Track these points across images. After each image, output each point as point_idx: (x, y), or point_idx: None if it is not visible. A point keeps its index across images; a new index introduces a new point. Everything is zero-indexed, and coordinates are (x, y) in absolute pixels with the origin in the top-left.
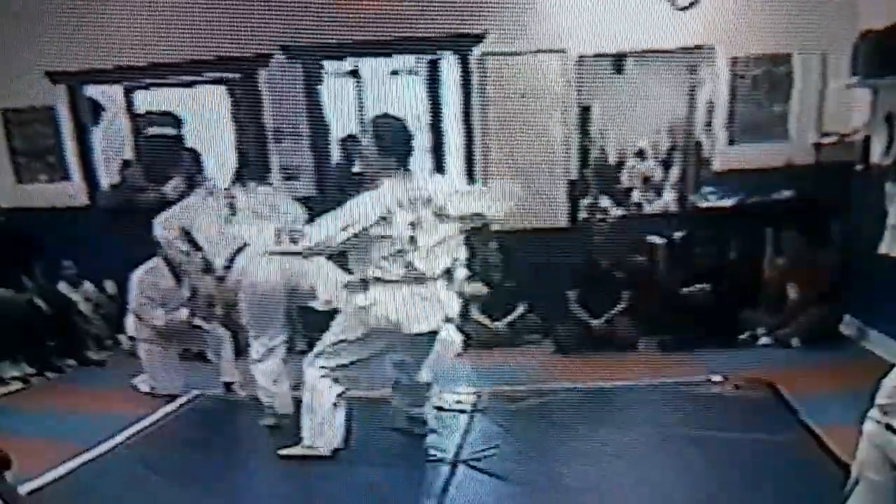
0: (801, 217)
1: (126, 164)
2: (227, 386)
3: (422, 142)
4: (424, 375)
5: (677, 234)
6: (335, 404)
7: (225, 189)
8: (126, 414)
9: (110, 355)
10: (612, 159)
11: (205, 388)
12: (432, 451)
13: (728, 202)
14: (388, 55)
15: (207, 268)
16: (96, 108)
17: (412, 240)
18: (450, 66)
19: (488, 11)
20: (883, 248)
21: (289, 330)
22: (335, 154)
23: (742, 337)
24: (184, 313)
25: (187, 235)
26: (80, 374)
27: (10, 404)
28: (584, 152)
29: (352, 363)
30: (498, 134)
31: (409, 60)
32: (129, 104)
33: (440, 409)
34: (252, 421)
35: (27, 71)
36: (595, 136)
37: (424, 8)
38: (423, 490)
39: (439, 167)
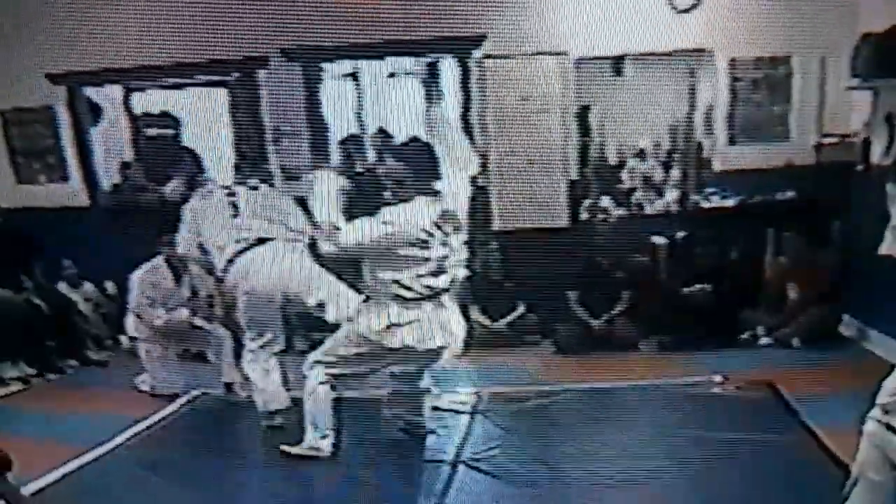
0: (801, 217)
1: (126, 164)
2: (228, 386)
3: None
4: (425, 382)
5: (678, 235)
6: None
7: (225, 187)
8: (127, 414)
9: (111, 355)
10: (612, 160)
11: (205, 389)
12: (432, 452)
13: (729, 202)
14: (387, 58)
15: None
16: (95, 109)
17: (444, 259)
18: (449, 69)
19: (487, 14)
20: (883, 249)
21: (286, 331)
22: (335, 155)
23: (742, 337)
24: (184, 313)
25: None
26: (80, 375)
27: (10, 405)
28: (584, 153)
29: (353, 375)
30: (498, 136)
31: (407, 63)
32: (129, 105)
33: (440, 409)
34: (252, 421)
35: (27, 72)
36: (595, 137)
37: (424, 11)
38: (423, 491)
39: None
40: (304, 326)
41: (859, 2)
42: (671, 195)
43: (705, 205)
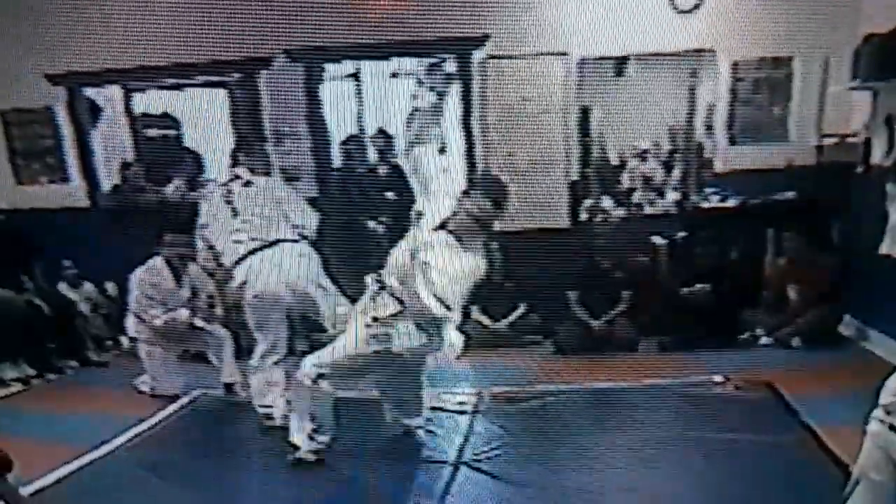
0: (801, 218)
1: (126, 165)
2: (229, 387)
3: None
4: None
5: (678, 235)
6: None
7: (222, 185)
8: (127, 415)
9: (111, 356)
10: (613, 160)
11: (206, 389)
12: (433, 453)
13: (729, 203)
14: (389, 58)
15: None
16: (95, 110)
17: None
18: (451, 69)
19: (489, 15)
20: (883, 249)
21: (290, 334)
22: (337, 156)
23: (742, 337)
24: (184, 314)
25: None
26: (80, 375)
27: (10, 406)
28: (585, 154)
29: (349, 377)
30: (499, 136)
31: (410, 63)
32: (129, 106)
33: (441, 409)
34: (253, 422)
35: (26, 72)
36: (596, 137)
37: (426, 11)
38: (423, 491)
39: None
40: (305, 328)
41: (861, 3)
42: (672, 195)
43: (706, 205)
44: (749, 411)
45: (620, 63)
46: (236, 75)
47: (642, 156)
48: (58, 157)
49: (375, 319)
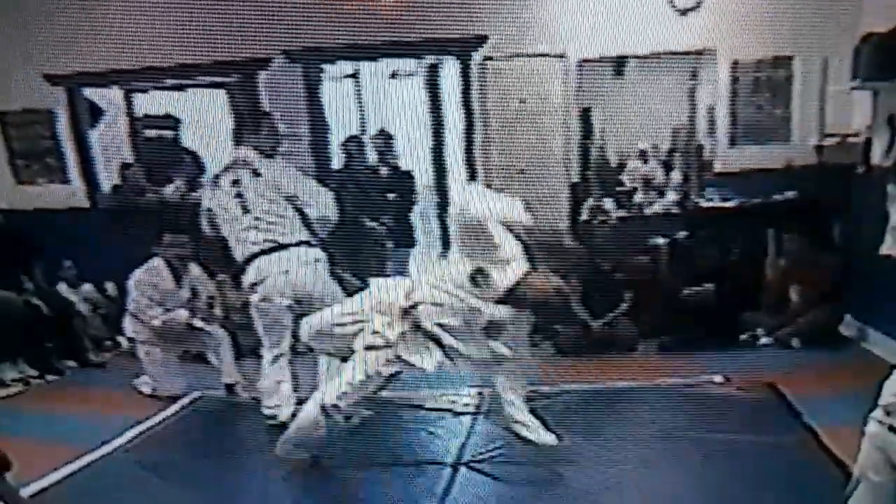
0: (802, 218)
1: (126, 165)
2: (229, 388)
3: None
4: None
5: (679, 236)
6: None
7: (227, 169)
8: (127, 416)
9: (111, 357)
10: (613, 161)
11: (206, 390)
12: (434, 454)
13: (730, 203)
14: (389, 58)
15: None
16: (95, 111)
17: None
18: (450, 70)
19: (489, 15)
20: (884, 250)
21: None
22: (338, 156)
23: (743, 338)
24: (183, 314)
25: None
26: (80, 376)
27: (10, 406)
28: (585, 155)
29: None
30: (499, 137)
31: (409, 64)
32: (129, 106)
33: (442, 410)
34: (254, 422)
35: (26, 73)
36: (596, 138)
37: (425, 12)
38: (424, 492)
39: (440, 170)
40: None
41: (861, 3)
42: (672, 196)
43: (706, 205)
44: (750, 412)
45: (620, 63)
46: (235, 76)
47: (642, 156)
48: (58, 157)
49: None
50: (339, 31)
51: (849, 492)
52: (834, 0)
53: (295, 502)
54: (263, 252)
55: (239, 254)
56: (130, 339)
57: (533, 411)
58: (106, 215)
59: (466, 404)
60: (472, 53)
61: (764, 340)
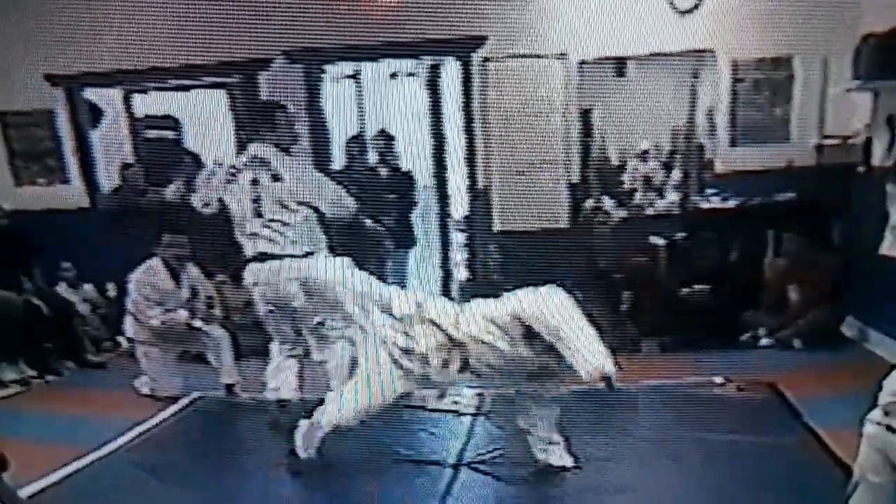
0: (802, 218)
1: (126, 166)
2: (229, 388)
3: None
4: None
5: (679, 236)
6: None
7: (244, 167)
8: (126, 416)
9: (110, 357)
10: (613, 161)
11: (205, 390)
12: (435, 454)
13: (730, 203)
14: (389, 59)
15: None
16: (95, 111)
17: None
18: (450, 70)
19: (489, 16)
20: (884, 250)
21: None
22: (340, 157)
23: (743, 338)
24: (182, 315)
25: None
26: (79, 377)
27: (9, 406)
28: (585, 155)
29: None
30: (499, 137)
31: (409, 64)
32: (129, 107)
33: (442, 410)
34: (254, 423)
35: (26, 74)
36: (596, 138)
37: (425, 12)
38: (425, 492)
39: (440, 170)
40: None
41: (861, 3)
42: (672, 196)
43: (706, 206)
44: (750, 412)
45: (620, 64)
46: (236, 76)
47: (643, 156)
48: (58, 158)
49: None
50: (339, 31)
51: (849, 493)
52: (834, 0)
53: (295, 503)
54: (262, 257)
55: (246, 250)
56: (130, 340)
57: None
58: (106, 216)
59: (467, 405)
60: (473, 54)
61: (764, 341)
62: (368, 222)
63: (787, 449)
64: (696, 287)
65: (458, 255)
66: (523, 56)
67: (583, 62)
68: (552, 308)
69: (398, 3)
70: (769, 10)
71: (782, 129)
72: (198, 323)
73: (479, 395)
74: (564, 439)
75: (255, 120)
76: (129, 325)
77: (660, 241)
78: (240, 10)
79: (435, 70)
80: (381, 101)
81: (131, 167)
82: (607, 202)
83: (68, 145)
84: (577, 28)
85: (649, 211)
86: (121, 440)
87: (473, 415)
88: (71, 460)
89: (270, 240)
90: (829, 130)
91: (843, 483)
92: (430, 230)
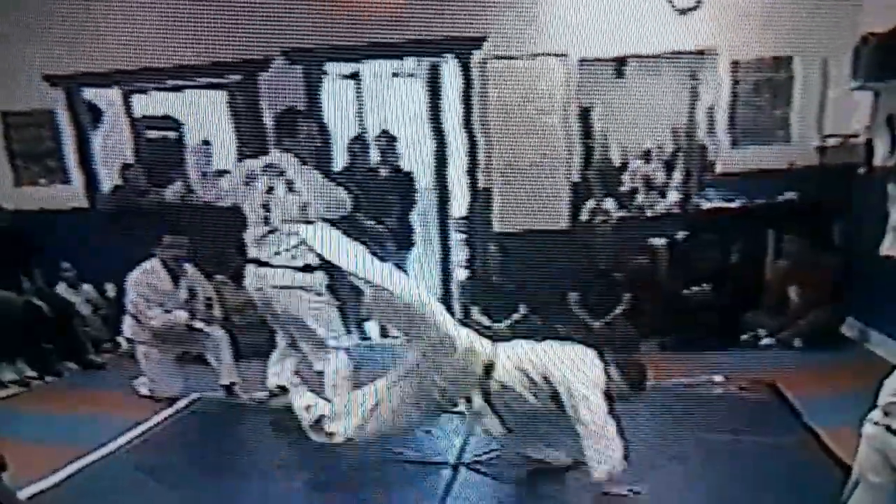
0: (803, 219)
1: (127, 166)
2: (229, 388)
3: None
4: None
5: (680, 236)
6: None
7: (262, 172)
8: (126, 417)
9: (110, 358)
10: (614, 161)
11: (205, 391)
12: (434, 454)
13: (731, 204)
14: (389, 58)
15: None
16: (95, 112)
17: None
18: (451, 70)
19: (489, 15)
20: (885, 250)
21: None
22: (343, 157)
23: (744, 338)
24: (182, 316)
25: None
26: (78, 377)
27: (8, 407)
28: (586, 155)
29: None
30: (500, 137)
31: (409, 64)
32: (129, 108)
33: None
34: (253, 424)
35: (26, 74)
36: (597, 138)
37: (425, 11)
38: (425, 492)
39: (440, 171)
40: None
41: (861, 3)
42: (673, 197)
43: (707, 206)
44: (751, 412)
45: (621, 64)
46: (236, 77)
47: (644, 157)
48: (58, 158)
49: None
50: (339, 31)
51: (847, 492)
52: (834, 0)
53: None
54: (258, 262)
55: (249, 252)
56: (129, 340)
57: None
58: (106, 216)
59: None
60: (473, 53)
61: (765, 341)
62: (370, 223)
63: (787, 449)
64: (697, 287)
65: (458, 255)
66: (524, 56)
67: (583, 62)
68: (580, 377)
69: (399, 3)
70: (769, 9)
71: (783, 129)
72: (197, 324)
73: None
74: None
75: (276, 127)
76: (128, 325)
77: (661, 242)
78: (239, 10)
79: (435, 70)
80: (382, 102)
81: (132, 167)
82: (608, 202)
83: (68, 145)
84: (577, 28)
85: (650, 211)
86: (120, 441)
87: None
88: (70, 461)
89: (273, 250)
90: (830, 131)
91: (843, 483)
92: (431, 230)
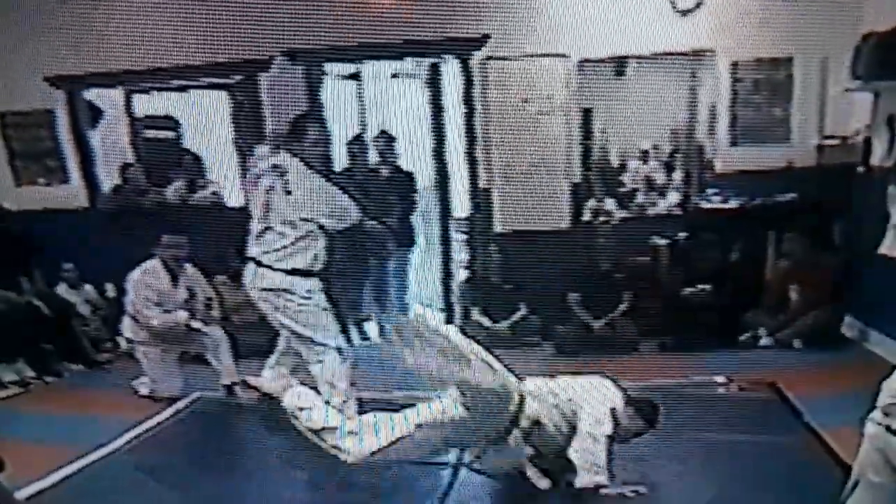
0: (803, 219)
1: (127, 166)
2: (229, 388)
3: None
4: None
5: (680, 236)
6: None
7: (265, 173)
8: (125, 417)
9: (110, 358)
10: (615, 162)
11: (205, 391)
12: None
13: (730, 204)
14: (390, 59)
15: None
16: (96, 111)
17: None
18: (451, 70)
19: (490, 15)
20: (884, 249)
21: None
22: (343, 157)
23: (744, 338)
24: (183, 316)
25: None
26: (78, 378)
27: (8, 407)
28: (586, 155)
29: None
30: (500, 137)
31: (409, 64)
32: (129, 107)
33: None
34: (253, 424)
35: (26, 74)
36: (598, 139)
37: (426, 11)
38: (425, 492)
39: (441, 171)
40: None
41: (861, 3)
42: (673, 197)
43: (707, 206)
44: (752, 412)
45: (621, 64)
46: (236, 77)
47: (644, 157)
48: (58, 158)
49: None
50: (339, 31)
51: (847, 492)
52: (834, 0)
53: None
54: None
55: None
56: (129, 341)
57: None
58: (106, 216)
59: None
60: (474, 53)
61: (765, 341)
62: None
63: (788, 449)
64: (698, 287)
65: (459, 256)
66: (524, 56)
67: (583, 62)
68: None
69: (399, 3)
70: (769, 10)
71: (783, 129)
72: (197, 324)
73: None
74: None
75: (291, 131)
76: (127, 325)
77: (661, 242)
78: (239, 10)
79: (435, 70)
80: (382, 102)
81: (132, 167)
82: (608, 202)
83: (68, 145)
84: (577, 28)
85: (650, 211)
86: (120, 441)
87: None
88: (70, 461)
89: (264, 249)
90: (830, 130)
91: (843, 483)
92: (431, 230)
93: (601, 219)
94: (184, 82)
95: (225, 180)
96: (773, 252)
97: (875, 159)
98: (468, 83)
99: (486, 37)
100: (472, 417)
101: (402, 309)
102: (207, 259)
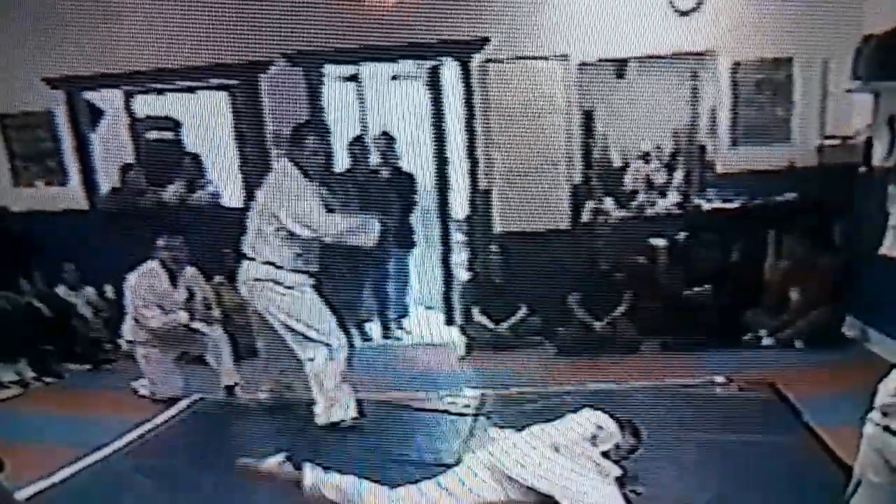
0: (803, 219)
1: (127, 167)
2: (229, 389)
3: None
4: None
5: (680, 236)
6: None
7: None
8: (126, 418)
9: (110, 359)
10: (615, 162)
11: (205, 392)
12: (436, 455)
13: (731, 204)
14: (390, 61)
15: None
16: (96, 112)
17: None
18: (451, 72)
19: (490, 17)
20: (885, 250)
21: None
22: (343, 158)
23: (745, 338)
24: (183, 317)
25: None
26: (78, 378)
27: (8, 408)
28: (587, 156)
29: None
30: (500, 138)
31: (410, 66)
32: (129, 108)
33: (444, 412)
34: (254, 425)
35: (26, 75)
36: (598, 140)
37: (426, 14)
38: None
39: (441, 171)
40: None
41: (861, 3)
42: (673, 197)
43: (708, 206)
44: (752, 412)
45: (621, 65)
46: (237, 79)
47: (644, 157)
48: (57, 159)
49: None
50: (339, 33)
51: (850, 492)
52: (834, 1)
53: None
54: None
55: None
56: (129, 342)
57: None
58: (106, 217)
59: (467, 406)
60: (474, 55)
61: (766, 341)
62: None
63: (788, 448)
64: (698, 287)
65: (459, 256)
66: (524, 57)
67: (584, 63)
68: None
69: (399, 4)
70: (770, 10)
71: (783, 129)
72: (197, 324)
73: (482, 395)
74: None
75: (291, 137)
76: (128, 326)
77: (661, 242)
78: (239, 11)
79: (435, 72)
80: (382, 103)
81: (131, 168)
82: (608, 203)
83: (68, 146)
84: (578, 29)
85: (651, 212)
86: (120, 442)
87: (474, 415)
88: (70, 462)
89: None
90: (830, 131)
91: (843, 483)
92: (432, 231)
93: (601, 219)
94: (184, 83)
95: (225, 181)
96: (774, 252)
97: (876, 159)
98: (468, 85)
99: (486, 40)
100: None
101: (402, 310)
102: (206, 259)
